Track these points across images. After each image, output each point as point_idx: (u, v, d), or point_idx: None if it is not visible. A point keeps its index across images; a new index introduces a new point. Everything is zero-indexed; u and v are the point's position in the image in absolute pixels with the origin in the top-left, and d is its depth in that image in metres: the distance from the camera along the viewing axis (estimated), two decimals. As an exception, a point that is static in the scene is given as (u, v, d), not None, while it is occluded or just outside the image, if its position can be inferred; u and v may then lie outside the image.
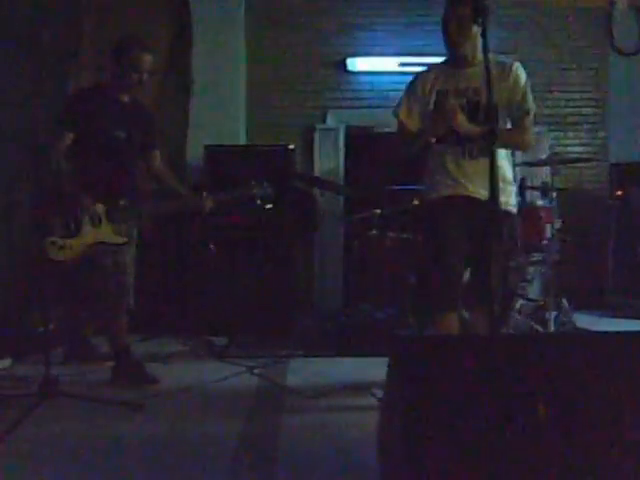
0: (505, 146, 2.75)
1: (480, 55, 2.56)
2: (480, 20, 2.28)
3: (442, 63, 2.85)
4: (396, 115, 2.89)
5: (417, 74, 2.88)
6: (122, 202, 3.07)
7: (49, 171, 3.06)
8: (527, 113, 2.76)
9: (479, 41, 2.57)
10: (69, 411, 2.67)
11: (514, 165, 3.03)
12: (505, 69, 2.75)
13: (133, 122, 3.16)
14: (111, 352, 3.23)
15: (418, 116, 2.83)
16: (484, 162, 2.47)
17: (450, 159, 2.75)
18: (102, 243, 3.05)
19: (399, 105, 2.88)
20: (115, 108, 3.12)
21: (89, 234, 3.01)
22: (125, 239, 3.12)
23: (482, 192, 2.60)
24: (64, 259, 2.96)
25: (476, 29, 2.62)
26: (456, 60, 2.76)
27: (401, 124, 2.87)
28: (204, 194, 3.27)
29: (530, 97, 2.78)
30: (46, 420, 2.55)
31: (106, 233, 3.05)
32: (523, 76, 2.77)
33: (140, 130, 3.20)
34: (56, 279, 3.15)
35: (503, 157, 2.77)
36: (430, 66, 2.90)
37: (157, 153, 3.33)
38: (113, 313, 3.14)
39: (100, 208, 3.03)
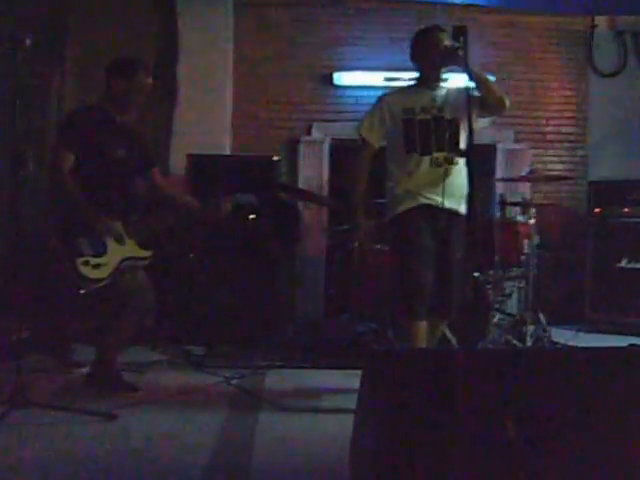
0: (485, 86, 2.97)
1: (441, 80, 3.11)
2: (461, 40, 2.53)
3: (407, 87, 3.20)
4: (358, 132, 3.16)
5: (382, 96, 3.18)
6: (134, 217, 3.06)
7: (56, 192, 3.01)
8: None
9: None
10: (39, 420, 2.64)
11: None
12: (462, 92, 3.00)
13: (130, 141, 3.13)
14: (94, 358, 3.17)
15: (379, 133, 3.12)
16: (445, 171, 2.99)
17: (418, 167, 3.02)
18: (131, 258, 3.01)
19: (362, 122, 3.17)
20: (112, 128, 3.06)
21: (117, 250, 2.96)
22: (150, 252, 3.10)
23: (444, 200, 2.97)
24: (101, 277, 2.88)
25: None
26: (427, 83, 3.09)
27: (362, 141, 3.15)
28: (223, 200, 3.21)
29: None
30: (15, 430, 2.52)
31: (132, 248, 3.02)
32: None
33: (138, 148, 3.17)
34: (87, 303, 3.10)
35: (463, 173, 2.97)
36: (395, 89, 3.32)
37: (157, 170, 3.31)
38: (125, 329, 3.07)
39: (118, 225, 3.00)
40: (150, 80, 3.10)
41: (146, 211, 3.17)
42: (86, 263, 2.85)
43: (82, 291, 2.88)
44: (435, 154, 3.00)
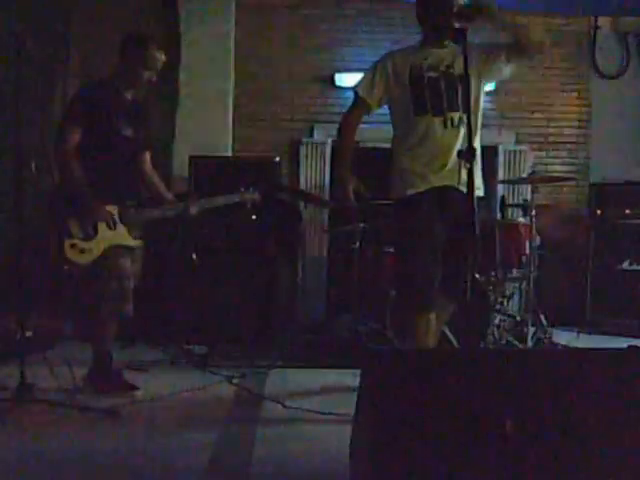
0: (519, 32, 2.72)
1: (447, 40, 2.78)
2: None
3: (411, 46, 2.94)
4: (355, 91, 2.92)
5: (386, 54, 2.93)
6: (130, 203, 3.05)
7: (59, 167, 2.97)
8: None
9: None
10: (43, 417, 2.66)
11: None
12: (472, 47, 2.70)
13: (137, 121, 3.09)
14: (92, 356, 3.19)
15: (380, 94, 2.87)
16: (458, 135, 2.73)
17: (430, 131, 2.77)
18: (118, 246, 3.01)
19: (361, 81, 2.91)
20: (121, 105, 3.03)
21: (106, 236, 2.96)
22: (139, 242, 3.11)
23: (457, 180, 2.66)
24: (85, 262, 2.92)
25: None
26: (433, 43, 2.84)
27: (360, 100, 2.90)
28: (190, 198, 3.26)
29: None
30: (19, 426, 2.54)
31: (122, 235, 3.02)
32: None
33: (142, 129, 3.13)
34: (70, 283, 3.15)
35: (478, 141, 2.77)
36: (398, 49, 2.99)
37: (148, 155, 3.25)
38: (109, 317, 3.08)
39: (113, 210, 2.99)
40: (162, 55, 3.05)
41: (141, 200, 3.15)
42: (73, 246, 2.89)
43: (65, 268, 2.92)
44: (449, 114, 2.75)
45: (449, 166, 2.77)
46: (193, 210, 3.22)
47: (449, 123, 2.76)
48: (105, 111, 2.96)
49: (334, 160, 2.96)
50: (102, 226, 2.97)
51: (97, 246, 2.95)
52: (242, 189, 3.37)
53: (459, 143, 2.74)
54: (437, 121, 2.76)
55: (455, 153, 2.69)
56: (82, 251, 2.91)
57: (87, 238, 2.93)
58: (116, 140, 2.99)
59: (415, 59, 2.82)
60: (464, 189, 2.54)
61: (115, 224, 2.99)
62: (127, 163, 3.08)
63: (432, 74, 2.77)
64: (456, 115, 2.76)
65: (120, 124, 3.00)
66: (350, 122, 2.95)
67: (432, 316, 2.78)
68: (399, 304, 3.04)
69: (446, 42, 2.82)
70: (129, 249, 3.08)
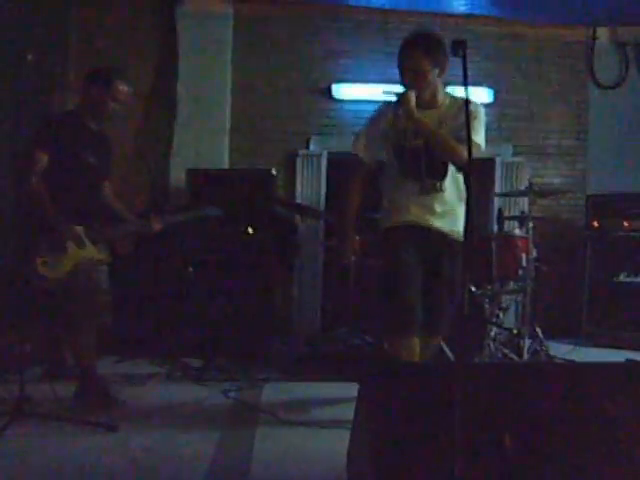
0: (441, 146, 2.81)
1: (441, 97, 2.87)
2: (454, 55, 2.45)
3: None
4: (353, 150, 3.03)
5: (377, 110, 3.01)
6: (96, 223, 3.13)
7: (25, 192, 3.05)
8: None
9: (439, 84, 2.84)
10: (41, 431, 2.65)
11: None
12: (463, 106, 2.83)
13: (101, 150, 3.23)
14: (77, 373, 3.19)
15: (376, 152, 3.00)
16: (435, 196, 2.89)
17: (406, 193, 2.92)
18: (89, 260, 3.09)
19: (357, 139, 3.03)
20: (86, 135, 3.17)
21: (75, 252, 3.04)
22: (108, 257, 3.18)
23: (433, 220, 2.90)
24: (57, 277, 2.98)
25: (433, 75, 2.79)
26: (417, 102, 2.82)
27: (357, 158, 3.02)
28: (151, 216, 3.34)
29: (481, 133, 2.86)
30: (17, 440, 2.53)
31: (91, 251, 3.10)
32: (478, 114, 2.85)
33: (105, 158, 3.28)
34: (42, 298, 3.16)
35: (453, 192, 2.93)
36: (388, 105, 2.93)
37: (109, 183, 3.38)
38: (88, 331, 3.12)
39: (79, 230, 3.07)
40: (127, 89, 3.17)
41: (107, 219, 3.24)
42: (44, 263, 2.97)
43: (39, 287, 2.98)
44: (426, 180, 2.89)
45: (425, 215, 2.91)
46: (156, 227, 3.31)
47: (424, 190, 2.90)
48: (70, 139, 3.09)
49: (338, 218, 3.13)
50: (70, 244, 3.05)
51: (68, 261, 3.03)
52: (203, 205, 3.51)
53: (437, 206, 2.90)
54: (416, 186, 2.90)
55: (430, 210, 2.89)
56: (53, 266, 2.99)
57: (56, 255, 3.01)
58: (80, 167, 3.12)
59: (401, 123, 2.85)
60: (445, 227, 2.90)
61: (83, 243, 3.07)
62: (91, 189, 3.21)
63: (414, 143, 2.85)
64: (431, 183, 2.89)
65: (84, 152, 3.13)
66: (355, 182, 3.06)
67: (413, 340, 2.82)
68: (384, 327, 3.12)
69: (433, 101, 2.86)
70: (99, 262, 3.15)
